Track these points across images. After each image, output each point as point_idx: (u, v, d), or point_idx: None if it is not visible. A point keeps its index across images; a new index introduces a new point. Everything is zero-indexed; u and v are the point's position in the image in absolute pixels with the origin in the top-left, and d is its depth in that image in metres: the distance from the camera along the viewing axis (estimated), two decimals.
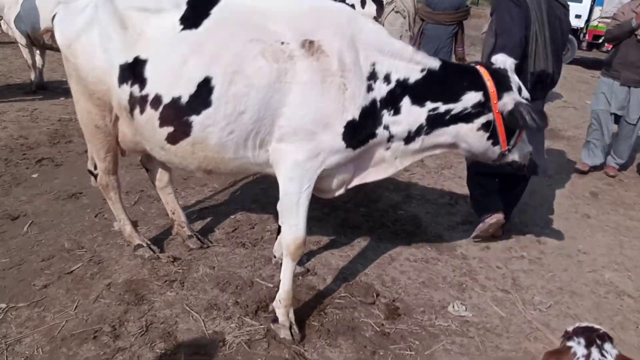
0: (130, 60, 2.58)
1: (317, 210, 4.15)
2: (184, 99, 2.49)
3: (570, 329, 1.65)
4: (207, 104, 2.47)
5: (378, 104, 2.54)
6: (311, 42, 2.42)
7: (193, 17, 2.54)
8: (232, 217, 4.11)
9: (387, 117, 2.57)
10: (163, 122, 2.56)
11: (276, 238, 3.40)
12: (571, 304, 3.31)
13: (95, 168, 3.27)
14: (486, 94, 2.57)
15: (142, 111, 2.59)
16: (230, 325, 2.84)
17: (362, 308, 3.06)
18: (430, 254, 3.77)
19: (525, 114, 2.47)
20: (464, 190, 4.95)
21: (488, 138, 2.66)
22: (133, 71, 2.57)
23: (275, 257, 3.42)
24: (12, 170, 4.75)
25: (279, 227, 2.86)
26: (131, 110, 2.64)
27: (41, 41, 7.01)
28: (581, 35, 17.21)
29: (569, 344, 1.58)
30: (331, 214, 4.25)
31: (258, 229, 3.94)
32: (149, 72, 2.54)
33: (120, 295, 3.02)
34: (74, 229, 3.77)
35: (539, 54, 3.40)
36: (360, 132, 2.54)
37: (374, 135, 2.59)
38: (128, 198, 4.34)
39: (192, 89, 2.47)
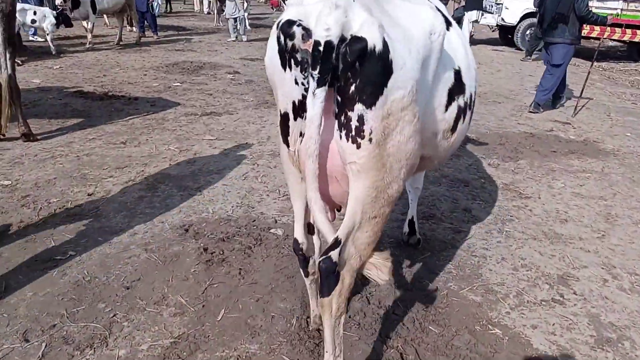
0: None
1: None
2: (473, 90, 2.55)
3: None
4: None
5: None
6: None
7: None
8: None
9: None
10: (468, 117, 2.55)
11: None
12: None
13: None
14: None
15: (464, 118, 2.44)
16: None
17: None
18: None
19: None
20: (557, 266, 3.33)
21: None
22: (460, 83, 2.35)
23: None
24: None
25: None
26: (455, 125, 2.36)
27: None
28: None
29: None
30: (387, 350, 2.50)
31: None
32: (465, 79, 2.39)
33: None
34: None
35: None
36: None
37: None
38: (24, 352, 2.41)
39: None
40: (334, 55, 1.65)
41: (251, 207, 3.99)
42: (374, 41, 1.67)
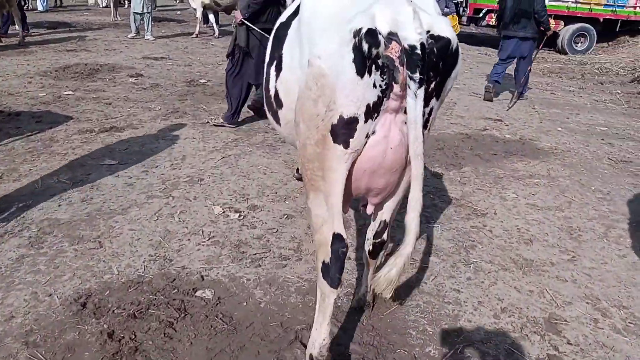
0: None
1: None
2: None
3: None
4: None
5: None
6: None
7: None
8: None
9: None
10: None
11: None
12: None
13: None
14: None
15: None
16: None
17: None
18: None
19: None
20: (539, 305, 2.85)
21: None
22: None
23: None
24: None
25: None
26: None
27: None
28: (461, 9, 16.47)
29: None
30: None
31: None
32: None
33: None
34: None
35: None
36: None
37: None
38: None
39: None
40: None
41: (168, 259, 3.17)
42: (454, 40, 1.78)
